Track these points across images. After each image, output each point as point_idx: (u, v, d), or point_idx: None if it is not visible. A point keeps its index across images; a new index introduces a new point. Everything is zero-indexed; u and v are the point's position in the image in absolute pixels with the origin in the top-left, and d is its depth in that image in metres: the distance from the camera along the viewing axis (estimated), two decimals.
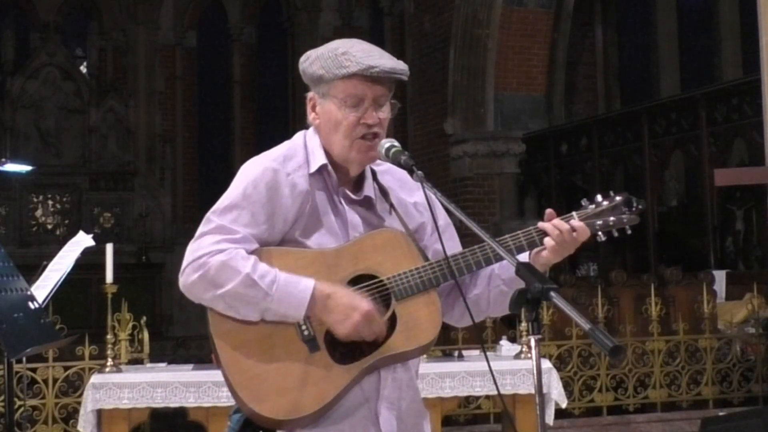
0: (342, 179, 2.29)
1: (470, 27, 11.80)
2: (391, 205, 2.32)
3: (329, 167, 2.26)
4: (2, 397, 4.70)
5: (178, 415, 5.41)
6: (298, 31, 15.66)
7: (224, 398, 4.66)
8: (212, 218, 2.21)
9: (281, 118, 15.51)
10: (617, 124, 11.18)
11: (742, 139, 9.41)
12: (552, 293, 1.95)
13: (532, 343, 2.02)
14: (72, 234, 4.89)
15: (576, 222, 2.24)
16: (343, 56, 2.22)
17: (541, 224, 2.25)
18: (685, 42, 12.78)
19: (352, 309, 2.14)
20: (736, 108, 9.33)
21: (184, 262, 2.17)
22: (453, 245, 2.33)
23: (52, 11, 15.95)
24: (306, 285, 2.15)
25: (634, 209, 2.28)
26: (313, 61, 2.27)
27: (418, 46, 12.90)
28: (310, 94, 2.31)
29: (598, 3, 13.45)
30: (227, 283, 2.12)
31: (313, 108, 2.30)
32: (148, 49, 16.14)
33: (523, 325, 5.66)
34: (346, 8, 15.49)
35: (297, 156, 2.26)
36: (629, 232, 2.30)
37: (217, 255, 2.14)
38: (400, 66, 2.26)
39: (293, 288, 2.14)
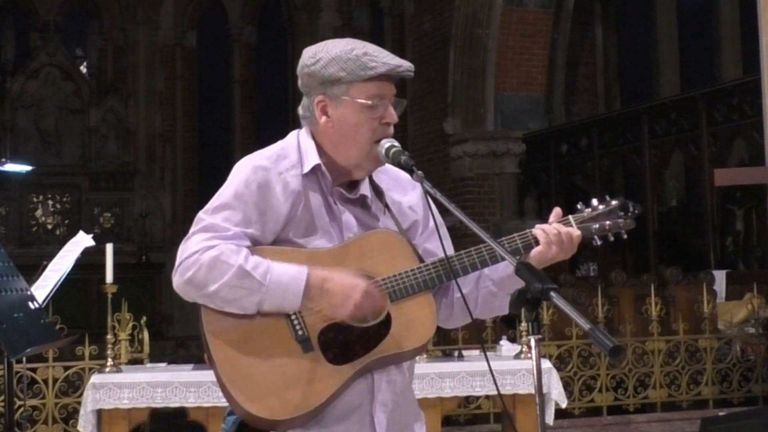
0: (336, 179, 2.27)
1: (470, 27, 11.81)
2: (386, 206, 2.30)
3: (323, 167, 2.24)
4: (2, 397, 4.69)
5: (178, 415, 5.41)
6: (298, 31, 15.66)
7: (224, 398, 4.67)
8: (203, 217, 2.19)
9: (281, 118, 15.49)
10: (617, 124, 11.18)
11: (742, 139, 9.42)
12: (552, 293, 1.95)
13: (532, 343, 2.02)
14: (72, 234, 4.89)
15: (566, 229, 2.23)
16: (366, 57, 2.20)
17: (534, 230, 2.24)
18: (685, 42, 12.78)
19: (350, 289, 2.13)
20: (736, 108, 9.32)
21: (177, 262, 2.16)
22: (447, 245, 2.32)
23: (52, 11, 15.95)
24: (300, 271, 2.13)
25: (630, 214, 2.28)
26: (327, 63, 2.21)
27: (418, 46, 12.90)
28: (319, 97, 2.24)
29: (598, 3, 13.45)
30: (221, 277, 2.10)
31: (324, 111, 2.24)
32: (148, 49, 16.14)
33: (523, 325, 5.66)
34: (346, 8, 15.48)
35: (290, 156, 2.24)
36: (625, 236, 2.29)
37: (208, 251, 2.12)
38: (411, 65, 2.28)
39: (287, 276, 2.13)
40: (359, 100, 2.20)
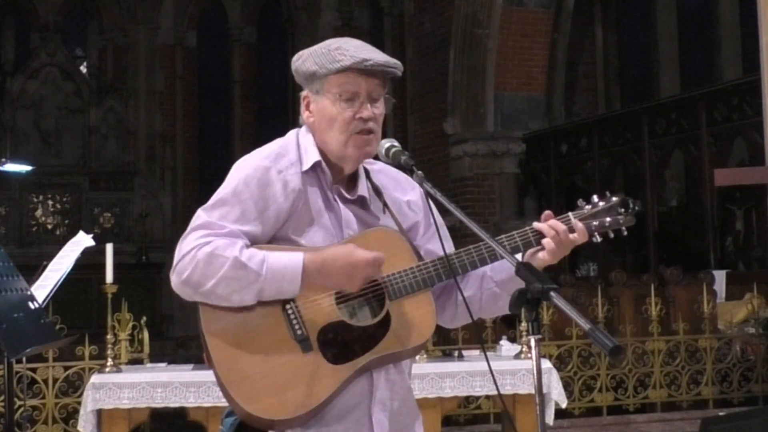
0: (336, 177, 2.28)
1: (470, 27, 11.80)
2: (385, 204, 2.31)
3: (323, 164, 2.25)
4: (2, 397, 4.69)
5: (178, 415, 5.41)
6: (298, 31, 15.66)
7: (224, 398, 4.68)
8: (201, 214, 2.20)
9: (281, 117, 15.50)
10: (617, 124, 11.17)
11: (742, 139, 9.41)
12: (552, 293, 1.95)
13: (532, 343, 2.02)
14: (72, 234, 4.89)
15: (576, 223, 2.24)
16: (336, 51, 2.23)
17: (536, 224, 2.23)
18: (685, 42, 12.78)
19: (352, 267, 2.13)
20: (736, 108, 9.32)
21: (174, 261, 2.17)
22: (448, 246, 2.33)
23: (52, 11, 15.96)
24: (296, 257, 2.14)
25: (630, 210, 2.27)
26: (305, 58, 2.29)
27: (418, 46, 12.89)
28: (304, 93, 2.31)
29: (598, 3, 13.45)
30: (217, 271, 2.11)
31: (308, 106, 2.30)
32: (148, 49, 16.15)
33: (523, 325, 5.66)
34: (346, 8, 15.48)
35: (289, 154, 2.26)
36: (625, 233, 2.28)
37: (203, 248, 2.13)
38: (392, 60, 2.27)
39: (284, 263, 2.13)
40: (330, 93, 2.23)
